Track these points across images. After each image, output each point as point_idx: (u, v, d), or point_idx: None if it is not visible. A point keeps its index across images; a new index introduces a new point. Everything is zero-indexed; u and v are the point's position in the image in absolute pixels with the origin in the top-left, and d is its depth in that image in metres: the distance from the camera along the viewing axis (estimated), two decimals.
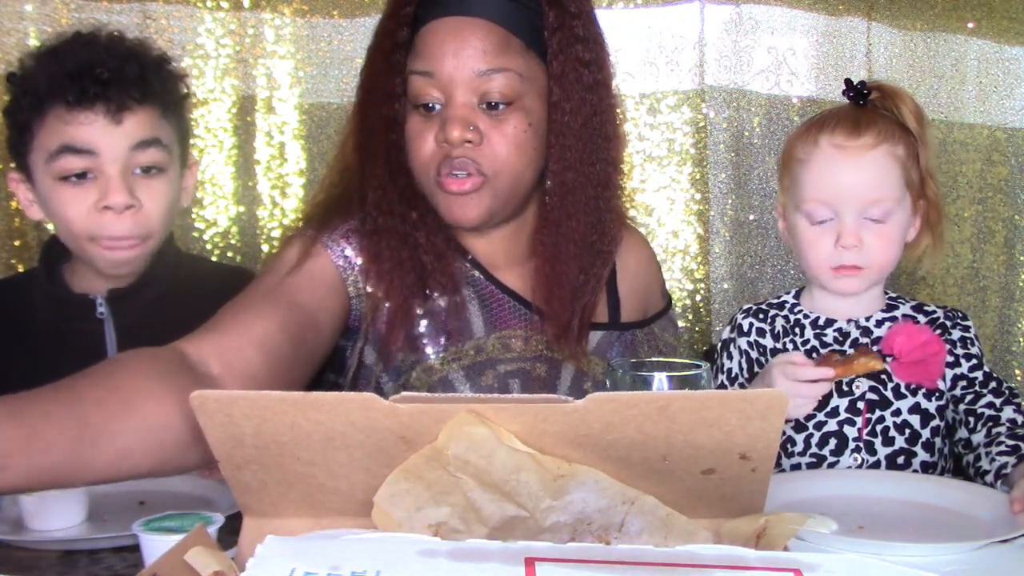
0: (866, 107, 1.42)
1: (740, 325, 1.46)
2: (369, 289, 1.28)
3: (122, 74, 1.39)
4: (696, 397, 0.75)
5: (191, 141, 2.11)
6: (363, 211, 1.29)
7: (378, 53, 1.28)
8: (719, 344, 1.49)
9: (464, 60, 1.21)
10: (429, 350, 1.31)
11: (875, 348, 1.40)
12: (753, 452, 0.77)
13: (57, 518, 1.13)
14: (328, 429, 0.77)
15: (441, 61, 1.22)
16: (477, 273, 1.34)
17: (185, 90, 1.53)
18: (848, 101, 1.45)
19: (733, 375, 1.45)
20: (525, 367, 1.31)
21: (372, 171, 1.28)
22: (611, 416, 0.75)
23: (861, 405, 1.38)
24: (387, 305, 1.28)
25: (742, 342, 1.45)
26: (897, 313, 1.45)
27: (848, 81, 1.45)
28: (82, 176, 1.40)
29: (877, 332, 1.42)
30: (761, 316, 1.46)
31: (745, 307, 1.49)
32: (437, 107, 1.24)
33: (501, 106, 1.23)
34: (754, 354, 1.44)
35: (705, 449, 0.77)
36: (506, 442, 0.79)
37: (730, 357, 1.45)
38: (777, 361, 1.30)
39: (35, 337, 1.49)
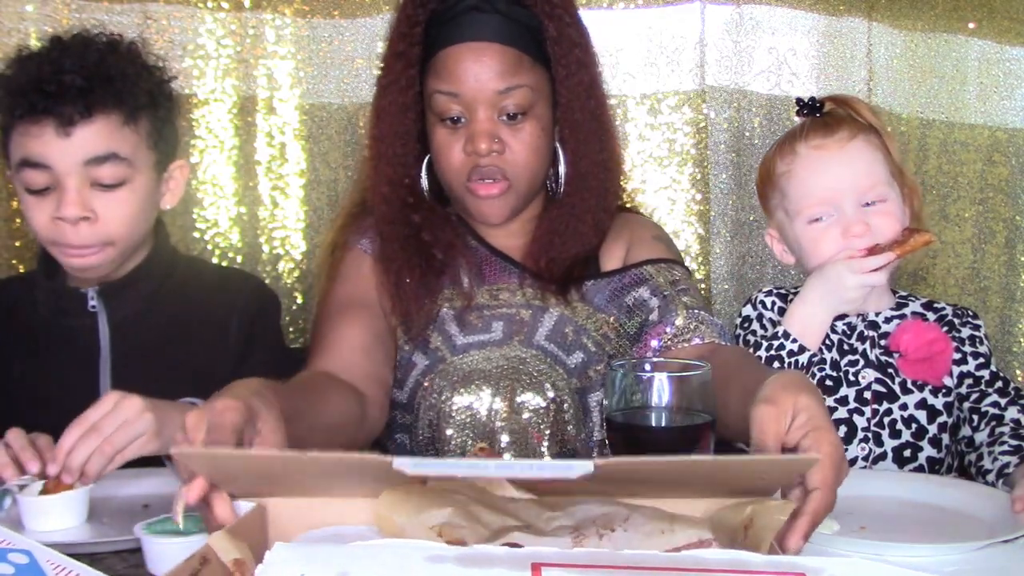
0: (826, 115, 1.45)
1: (763, 302, 1.49)
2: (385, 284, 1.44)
3: (65, 87, 1.38)
4: (718, 463, 0.75)
5: (191, 141, 2.13)
6: (375, 219, 1.45)
7: (391, 72, 1.41)
8: (740, 321, 1.51)
9: (485, 82, 1.36)
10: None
11: (882, 343, 1.41)
12: (772, 480, 0.77)
13: (57, 519, 1.13)
14: (317, 466, 0.79)
15: (464, 83, 1.37)
16: (475, 242, 1.49)
17: (165, 90, 1.50)
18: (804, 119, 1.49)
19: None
20: (510, 312, 1.44)
21: (380, 188, 1.44)
22: (626, 472, 0.75)
23: (868, 395, 1.39)
24: (397, 296, 1.44)
25: (770, 315, 1.48)
26: (907, 311, 1.46)
27: (799, 100, 1.50)
28: (45, 189, 1.41)
29: (885, 328, 1.44)
30: (781, 298, 1.49)
31: (765, 289, 1.51)
32: (462, 120, 1.39)
33: (518, 116, 1.39)
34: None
35: (721, 480, 0.77)
36: (499, 491, 0.80)
37: (764, 328, 1.47)
38: (837, 261, 1.38)
39: (36, 333, 1.52)
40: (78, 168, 1.40)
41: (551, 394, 1.38)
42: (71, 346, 1.49)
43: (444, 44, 1.38)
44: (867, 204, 1.40)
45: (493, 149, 1.37)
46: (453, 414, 1.38)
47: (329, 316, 1.41)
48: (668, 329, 1.37)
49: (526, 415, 1.37)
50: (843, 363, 1.41)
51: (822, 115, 1.47)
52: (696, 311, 1.38)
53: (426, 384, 1.40)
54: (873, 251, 1.37)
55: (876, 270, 1.36)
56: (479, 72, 1.36)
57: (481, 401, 1.37)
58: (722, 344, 1.35)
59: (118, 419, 1.17)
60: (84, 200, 1.40)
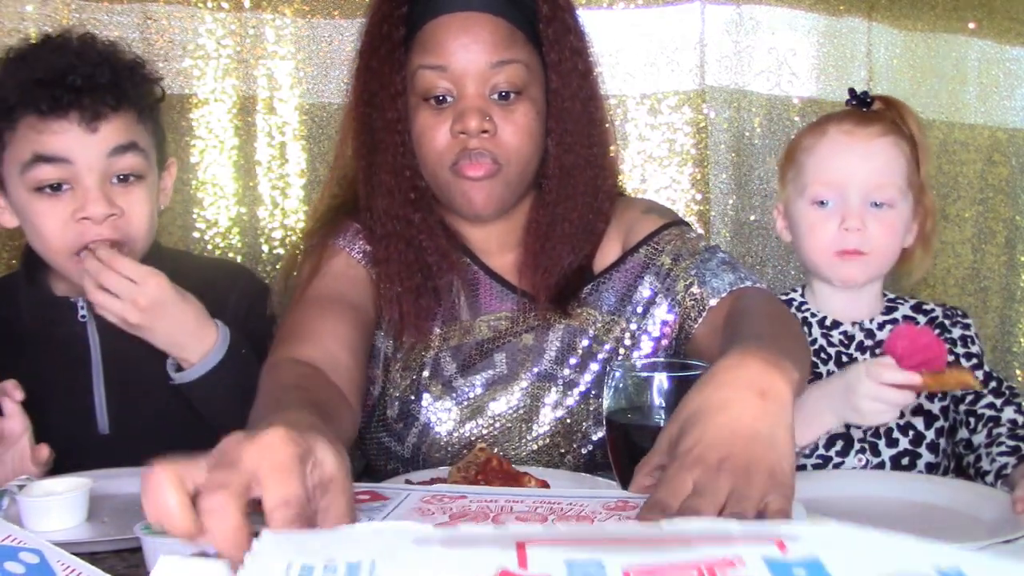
0: (870, 112, 1.44)
1: None
2: (381, 290, 1.34)
3: (95, 81, 1.35)
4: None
5: (191, 141, 2.14)
6: (370, 217, 1.34)
7: (376, 57, 1.30)
8: None
9: (476, 53, 1.25)
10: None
11: (877, 351, 1.40)
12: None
13: (57, 519, 1.13)
14: None
15: (453, 55, 1.25)
16: (467, 260, 1.38)
17: (160, 93, 1.49)
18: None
19: None
20: (512, 340, 1.35)
21: (379, 178, 1.32)
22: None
23: None
24: (396, 299, 1.33)
25: None
26: (897, 314, 1.45)
27: (852, 91, 1.48)
28: (57, 187, 1.36)
29: (880, 335, 1.42)
30: None
31: None
32: (448, 99, 1.27)
33: (512, 96, 1.28)
34: None
35: None
36: None
37: None
38: (863, 362, 1.21)
39: (19, 339, 1.46)
40: (100, 162, 1.36)
41: (565, 421, 1.33)
42: (61, 353, 1.45)
43: (430, 16, 1.27)
44: (875, 205, 1.39)
45: (484, 128, 1.25)
46: (460, 452, 1.31)
47: (309, 305, 1.27)
48: (675, 321, 1.32)
49: (540, 445, 1.33)
50: None
51: (868, 109, 1.45)
52: (695, 276, 1.30)
53: (432, 431, 1.34)
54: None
55: (899, 388, 1.16)
56: (469, 43, 1.25)
57: (492, 438, 1.33)
58: (745, 287, 1.26)
59: (134, 285, 1.28)
60: (108, 197, 1.36)
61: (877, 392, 1.16)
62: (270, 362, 1.15)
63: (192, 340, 1.33)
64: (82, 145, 1.35)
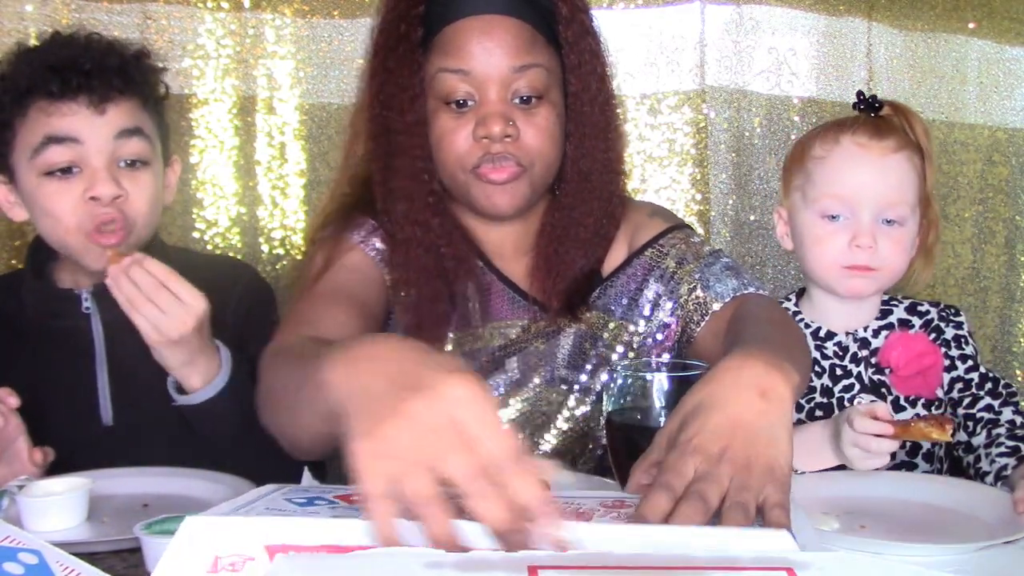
0: (880, 119, 1.42)
1: None
2: (401, 294, 1.31)
3: (103, 65, 1.41)
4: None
5: (191, 141, 2.14)
6: (388, 221, 1.31)
7: (392, 57, 1.28)
8: None
9: (498, 57, 1.24)
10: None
11: (873, 361, 1.39)
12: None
13: (56, 519, 1.12)
14: None
15: (474, 59, 1.24)
16: (481, 264, 1.36)
17: (164, 87, 1.52)
18: (858, 113, 1.45)
19: None
20: (523, 345, 1.34)
21: (397, 182, 1.30)
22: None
23: None
24: (412, 304, 1.31)
25: None
26: (892, 318, 1.43)
27: (860, 93, 1.45)
28: (67, 171, 1.39)
29: (875, 343, 1.41)
30: None
31: None
32: (469, 103, 1.26)
33: (533, 100, 1.26)
34: None
35: None
36: None
37: None
38: (849, 408, 1.21)
39: (23, 334, 1.48)
40: (108, 144, 1.40)
41: (579, 425, 1.32)
42: (64, 348, 1.46)
43: (451, 19, 1.25)
44: (886, 222, 1.37)
45: (507, 133, 1.23)
46: None
47: (320, 297, 1.25)
48: (676, 325, 1.32)
49: (553, 449, 1.32)
50: (837, 389, 1.39)
51: (877, 115, 1.43)
52: (698, 280, 1.30)
53: None
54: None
55: (877, 437, 1.17)
56: (492, 47, 1.23)
57: None
58: (748, 293, 1.26)
59: (178, 304, 1.27)
60: (115, 178, 1.39)
61: (855, 439, 1.17)
62: (284, 342, 1.11)
63: (203, 361, 1.32)
64: (91, 126, 1.39)
